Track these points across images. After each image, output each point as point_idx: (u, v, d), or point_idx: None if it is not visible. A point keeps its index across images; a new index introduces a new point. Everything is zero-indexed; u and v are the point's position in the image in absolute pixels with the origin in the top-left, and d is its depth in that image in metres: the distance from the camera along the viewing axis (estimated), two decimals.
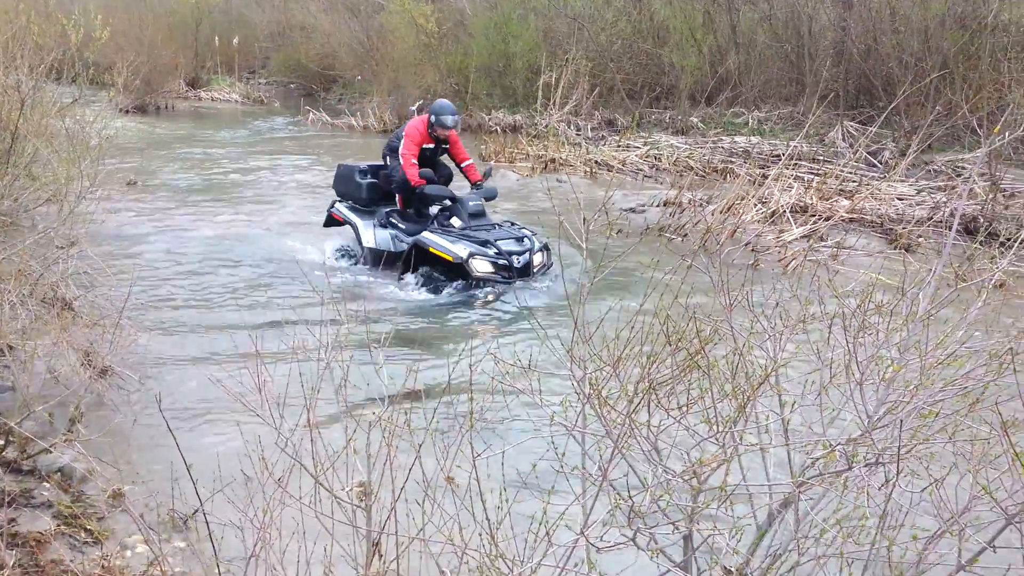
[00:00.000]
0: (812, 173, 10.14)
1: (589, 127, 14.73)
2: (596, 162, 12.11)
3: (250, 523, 2.19)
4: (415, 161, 6.92)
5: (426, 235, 6.62)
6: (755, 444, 2.06)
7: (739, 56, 14.63)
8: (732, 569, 2.19)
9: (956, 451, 2.10)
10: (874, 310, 2.30)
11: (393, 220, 7.18)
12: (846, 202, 8.71)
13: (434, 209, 6.90)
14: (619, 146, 13.04)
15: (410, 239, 6.77)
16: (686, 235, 8.40)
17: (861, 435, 1.93)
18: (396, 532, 2.04)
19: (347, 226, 7.44)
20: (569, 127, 14.49)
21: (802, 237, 7.86)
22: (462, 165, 7.36)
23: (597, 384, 2.06)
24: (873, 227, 8.38)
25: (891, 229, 8.08)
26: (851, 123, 12.00)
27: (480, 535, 1.90)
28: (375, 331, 4.85)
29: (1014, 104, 7.90)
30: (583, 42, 15.64)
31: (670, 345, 2.06)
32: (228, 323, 5.68)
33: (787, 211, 8.31)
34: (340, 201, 7.57)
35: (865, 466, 1.87)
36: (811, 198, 8.73)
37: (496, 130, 15.57)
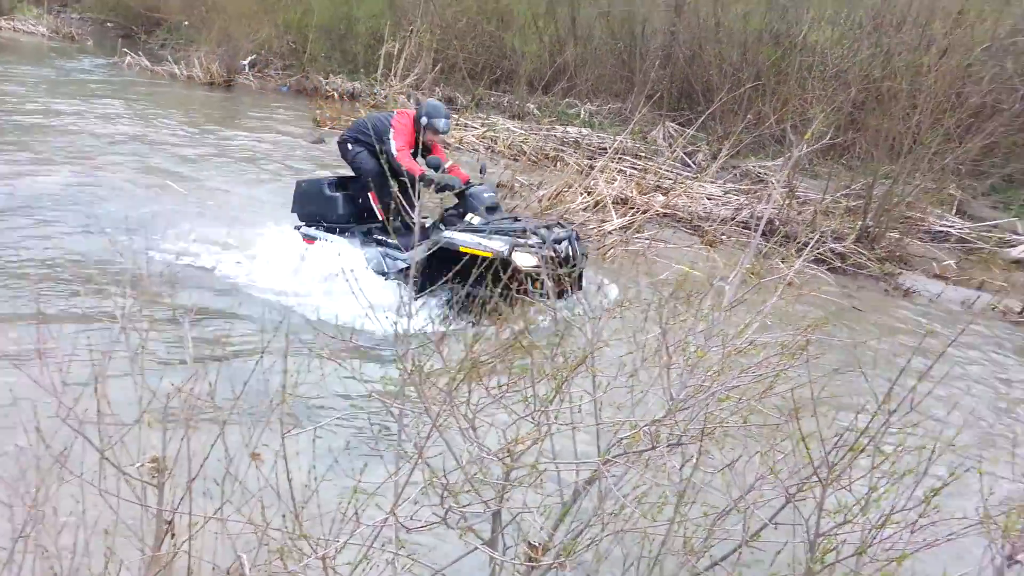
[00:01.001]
0: (634, 168, 10.67)
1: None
2: None
3: (20, 500, 1.95)
4: (411, 153, 5.95)
5: (450, 234, 5.47)
6: (567, 424, 2.11)
7: (577, 49, 15.06)
8: (537, 544, 2.24)
9: (748, 433, 2.27)
10: (684, 299, 2.44)
11: (379, 237, 6.07)
12: (662, 198, 9.25)
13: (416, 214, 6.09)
14: (457, 125, 13.02)
15: (412, 251, 5.32)
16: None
17: (664, 416, 2.03)
18: (191, 512, 1.90)
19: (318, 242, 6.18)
20: (409, 100, 14.27)
21: (621, 228, 8.25)
22: (446, 164, 6.34)
23: (419, 361, 2.02)
24: (684, 223, 8.96)
25: (699, 226, 8.68)
26: (672, 124, 12.74)
27: (284, 515, 1.81)
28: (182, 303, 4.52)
29: (815, 118, 8.73)
30: (429, 15, 15.43)
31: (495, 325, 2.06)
32: (13, 284, 5.07)
33: (610, 202, 8.68)
34: (307, 224, 6.30)
35: (667, 446, 1.96)
36: (632, 191, 9.18)
37: (333, 95, 15.04)
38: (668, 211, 9.05)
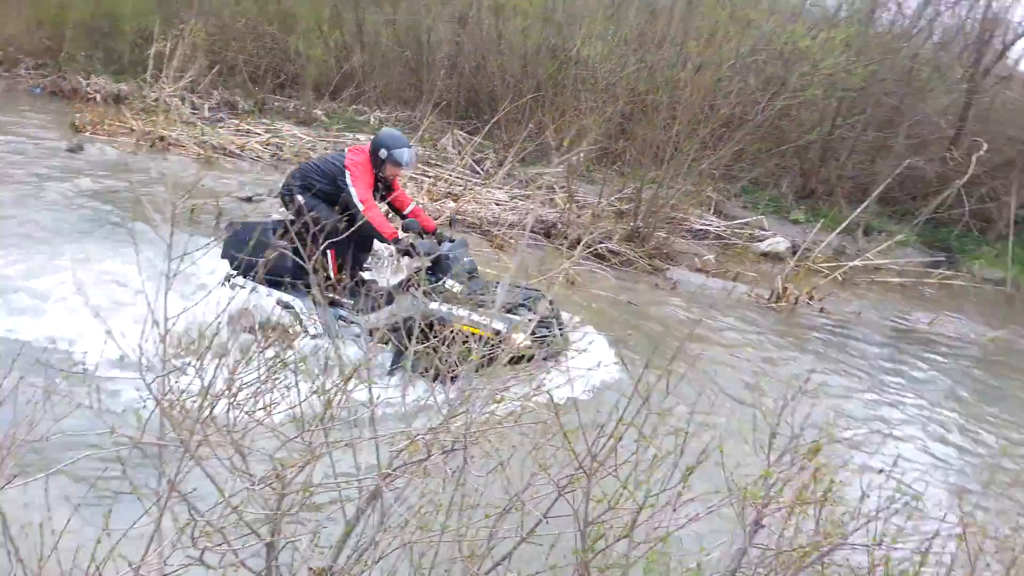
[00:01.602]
0: (426, 175, 10.74)
1: (207, 107, 13.71)
2: (213, 145, 11.32)
3: None
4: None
5: (442, 308, 4.93)
6: (341, 441, 2.06)
7: (364, 55, 14.89)
8: (321, 569, 2.16)
9: (521, 432, 2.35)
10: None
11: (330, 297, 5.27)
12: (453, 204, 9.39)
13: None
14: (239, 130, 12.37)
15: (377, 315, 4.97)
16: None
17: (440, 424, 2.04)
18: None
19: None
20: (184, 104, 13.32)
21: None
22: (406, 211, 5.61)
23: (173, 387, 1.87)
24: (474, 227, 9.17)
25: (488, 230, 8.92)
26: (461, 132, 12.99)
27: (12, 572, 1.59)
28: None
29: (589, 129, 9.31)
30: (203, 15, 14.52)
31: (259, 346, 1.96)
32: None
33: None
34: (241, 274, 5.31)
35: (442, 453, 1.98)
36: (424, 198, 9.24)
37: (95, 98, 13.66)
38: (460, 216, 9.21)
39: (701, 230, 10.84)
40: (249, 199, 9.14)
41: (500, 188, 10.62)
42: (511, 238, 8.79)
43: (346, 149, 5.52)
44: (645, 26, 11.10)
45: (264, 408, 1.88)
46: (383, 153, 5.28)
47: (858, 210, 9.66)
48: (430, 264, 5.09)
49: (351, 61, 14.83)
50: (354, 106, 14.51)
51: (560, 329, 5.29)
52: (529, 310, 5.12)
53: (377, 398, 2.06)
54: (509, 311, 5.04)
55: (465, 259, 5.35)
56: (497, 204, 9.97)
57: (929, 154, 12.29)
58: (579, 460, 1.95)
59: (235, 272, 5.31)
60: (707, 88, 8.77)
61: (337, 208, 5.18)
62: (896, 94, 12.36)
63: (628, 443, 2.19)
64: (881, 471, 2.13)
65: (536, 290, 5.41)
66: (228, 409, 1.93)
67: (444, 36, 14.30)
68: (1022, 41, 13.73)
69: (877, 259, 10.06)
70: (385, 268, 5.87)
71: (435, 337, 4.57)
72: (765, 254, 10.65)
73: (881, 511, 1.82)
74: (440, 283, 5.09)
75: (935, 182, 11.54)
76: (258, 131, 12.41)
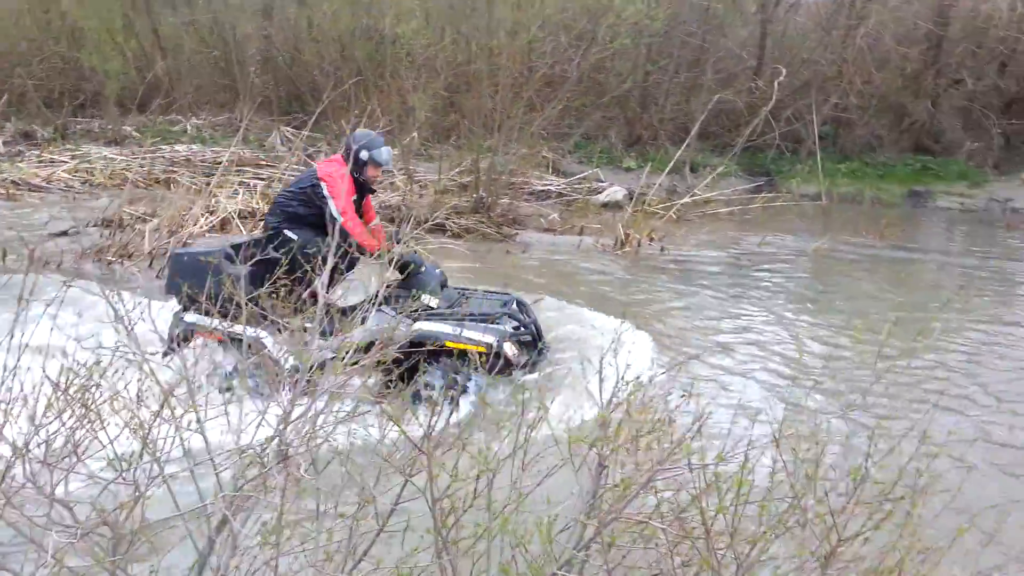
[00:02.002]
0: (258, 177, 10.32)
1: (1, 141, 12.49)
2: (14, 181, 10.36)
3: None
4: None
5: (428, 325, 4.71)
6: (175, 473, 1.97)
7: (168, 62, 14.01)
8: None
9: (367, 426, 2.34)
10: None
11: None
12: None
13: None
14: (41, 161, 11.37)
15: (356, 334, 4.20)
16: (131, 255, 7.74)
17: (273, 435, 2.00)
18: None
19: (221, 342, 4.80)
20: None
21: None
22: (370, 225, 5.22)
23: None
24: None
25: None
26: (287, 128, 12.55)
27: None
28: None
29: (416, 106, 9.24)
30: None
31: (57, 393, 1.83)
32: None
33: (235, 217, 8.30)
34: (191, 308, 4.77)
35: (277, 463, 1.94)
36: (258, 202, 8.88)
37: None
38: None
39: (543, 191, 11.09)
40: (65, 233, 8.45)
41: None
42: None
43: (315, 163, 5.15)
44: None
45: (75, 453, 1.77)
46: (364, 155, 4.93)
47: (680, 150, 10.17)
48: (401, 279, 4.90)
49: (154, 70, 13.91)
50: (167, 116, 13.66)
51: (540, 335, 5.21)
52: (511, 318, 5.01)
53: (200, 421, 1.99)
54: (492, 321, 4.88)
55: (437, 271, 5.17)
56: None
57: (737, 86, 13.11)
58: (415, 442, 1.97)
59: (182, 307, 4.81)
60: (522, 52, 8.91)
61: (324, 239, 4.80)
62: (697, 34, 13.05)
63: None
64: (684, 395, 2.27)
65: (506, 293, 5.41)
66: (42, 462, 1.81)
67: (250, 31, 13.67)
68: None
69: (705, 193, 10.69)
70: (336, 286, 5.28)
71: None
72: (605, 204, 11.05)
73: (691, 432, 1.95)
74: (416, 298, 4.73)
75: (746, 112, 12.32)
76: (63, 159, 11.45)
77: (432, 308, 4.92)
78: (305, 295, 4.21)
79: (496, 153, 9.24)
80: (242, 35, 13.60)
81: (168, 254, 5.11)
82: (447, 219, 8.87)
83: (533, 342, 5.05)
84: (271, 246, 4.83)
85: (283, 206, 5.02)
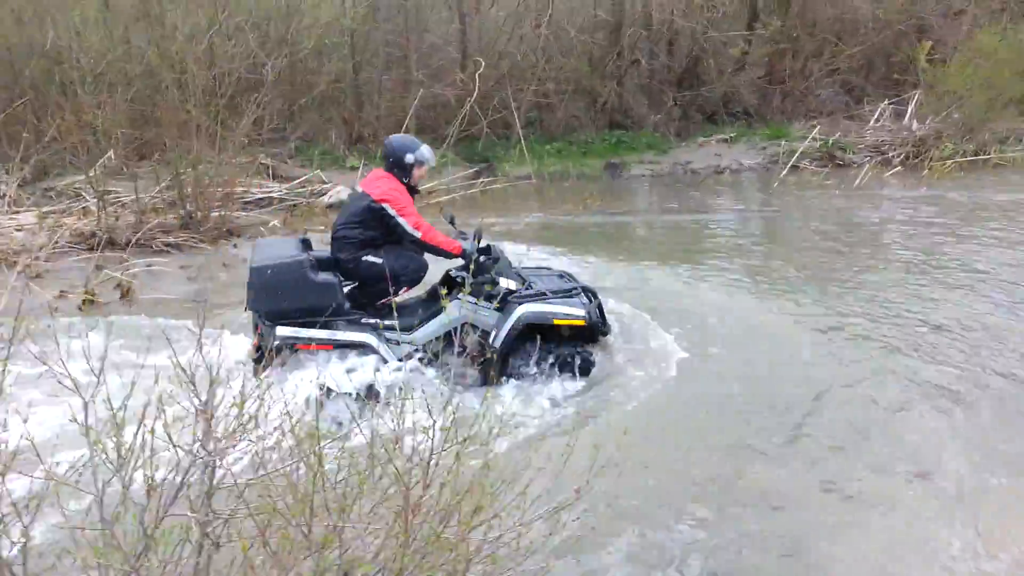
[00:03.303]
0: None
1: None
2: None
3: None
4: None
5: (534, 307, 5.01)
6: None
7: None
8: None
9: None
10: None
11: (369, 321, 4.93)
12: None
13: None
14: None
15: (508, 320, 4.92)
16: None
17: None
18: None
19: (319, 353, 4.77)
20: None
21: None
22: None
23: None
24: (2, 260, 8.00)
25: (15, 261, 7.85)
26: None
27: None
28: None
29: (102, 125, 8.55)
30: None
31: None
32: None
33: None
34: (280, 323, 4.74)
35: None
36: None
37: None
38: None
39: (263, 198, 10.83)
40: None
41: (27, 210, 9.34)
42: (47, 260, 7.85)
43: (359, 189, 5.05)
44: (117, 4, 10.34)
45: None
46: (410, 158, 4.93)
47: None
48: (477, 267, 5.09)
49: None
50: None
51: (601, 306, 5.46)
52: (583, 292, 5.26)
53: None
54: (568, 296, 5.17)
55: (503, 254, 5.35)
56: (20, 230, 8.76)
57: (445, 80, 13.69)
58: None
59: (270, 323, 4.73)
60: (206, 56, 8.60)
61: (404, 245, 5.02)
62: (400, 30, 13.43)
63: None
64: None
65: (548, 268, 5.85)
66: None
67: None
68: None
69: (427, 184, 11.06)
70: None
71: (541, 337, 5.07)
72: (331, 206, 11.05)
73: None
74: (495, 282, 5.08)
75: (455, 104, 12.91)
76: None
77: (512, 291, 5.10)
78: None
79: (200, 164, 8.85)
80: None
81: (252, 270, 4.75)
82: (153, 239, 8.37)
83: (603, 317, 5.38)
84: (358, 273, 4.99)
85: (351, 238, 4.94)
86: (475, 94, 11.97)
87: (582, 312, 5.04)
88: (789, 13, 15.88)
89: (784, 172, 13.29)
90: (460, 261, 5.09)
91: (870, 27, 16.17)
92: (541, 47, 13.82)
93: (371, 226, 4.91)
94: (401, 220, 4.87)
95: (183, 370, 2.13)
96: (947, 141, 13.63)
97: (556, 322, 5.03)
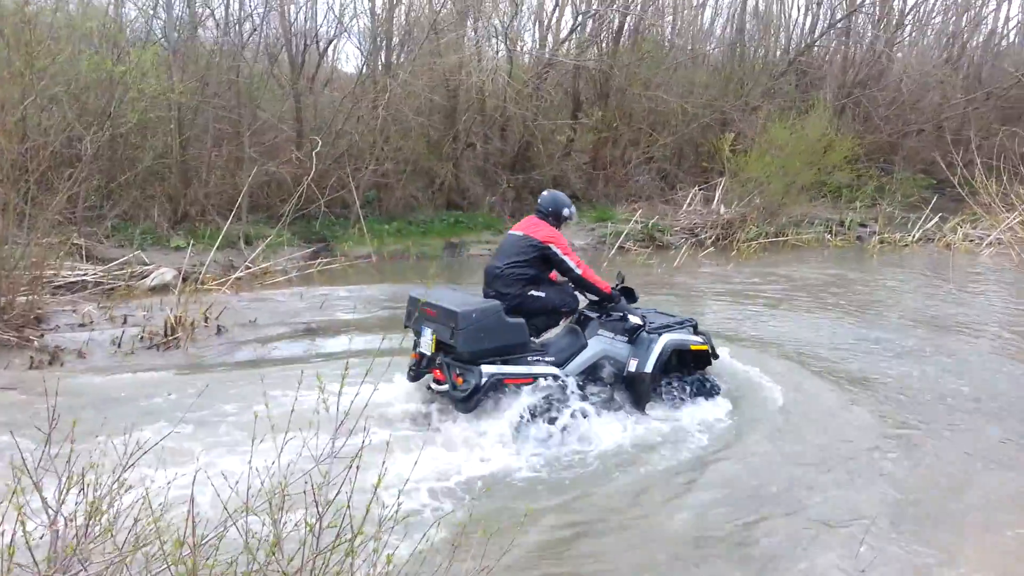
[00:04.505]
0: None
1: None
2: None
3: None
4: None
5: (673, 336, 5.93)
6: None
7: None
8: None
9: None
10: None
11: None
12: None
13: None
14: None
15: (659, 344, 5.80)
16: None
17: None
18: None
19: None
20: None
21: None
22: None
23: None
24: None
25: None
26: None
27: None
28: None
29: None
30: None
31: None
32: None
33: None
34: (484, 361, 5.22)
35: None
36: None
37: None
38: None
39: (75, 282, 9.89)
40: None
41: None
42: None
43: (517, 233, 5.79)
44: None
45: None
46: (566, 212, 5.92)
47: (227, 223, 10.00)
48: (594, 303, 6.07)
49: None
50: None
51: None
52: (681, 325, 6.13)
53: None
54: (682, 327, 6.15)
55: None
56: None
57: (281, 157, 13.40)
58: None
59: (480, 362, 5.23)
60: (16, 130, 7.88)
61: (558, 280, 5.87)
62: (232, 106, 13.05)
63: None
64: None
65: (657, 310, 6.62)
66: None
67: None
68: (333, 45, 15.89)
69: (262, 264, 10.66)
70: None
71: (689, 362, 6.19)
72: (154, 288, 10.30)
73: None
74: (626, 318, 5.91)
75: (291, 182, 12.63)
76: None
77: (641, 325, 5.91)
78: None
79: (4, 245, 7.96)
80: None
81: (459, 314, 5.16)
82: None
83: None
84: (523, 307, 5.59)
85: (517, 276, 5.62)
86: (312, 172, 11.79)
87: (702, 339, 6.10)
88: (608, 105, 17.18)
89: (612, 252, 14.12)
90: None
91: (680, 119, 17.82)
92: (379, 128, 13.94)
93: (536, 264, 5.67)
94: (565, 258, 5.67)
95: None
96: (751, 224, 15.14)
97: (692, 347, 6.02)
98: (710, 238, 15.14)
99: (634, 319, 5.90)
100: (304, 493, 2.34)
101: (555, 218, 5.85)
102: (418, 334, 5.59)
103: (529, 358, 5.44)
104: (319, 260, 11.92)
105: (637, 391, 5.76)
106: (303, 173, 12.33)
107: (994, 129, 17.29)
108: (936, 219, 16.12)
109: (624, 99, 17.44)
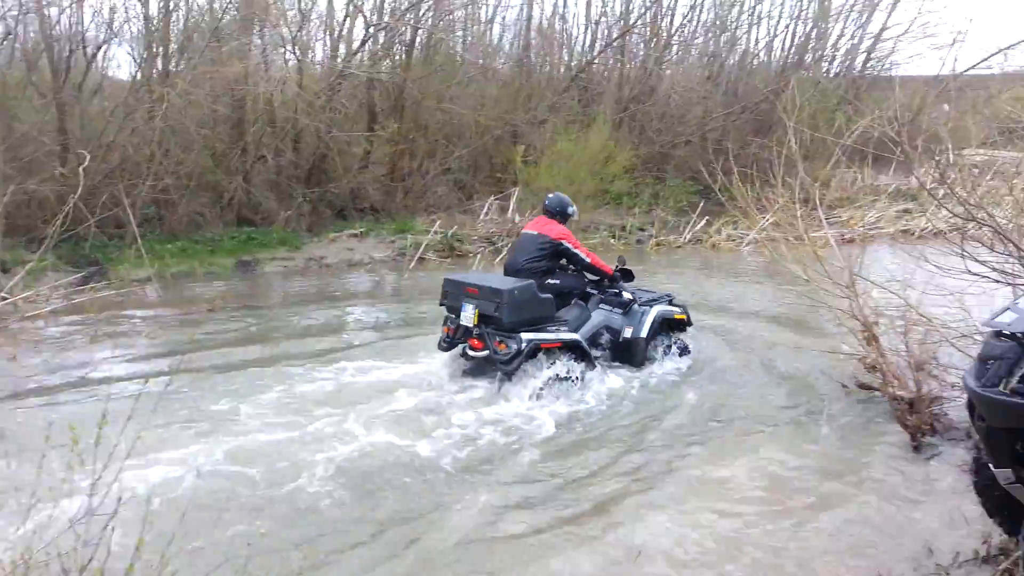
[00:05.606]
0: None
1: None
2: None
3: None
4: None
5: (661, 308, 7.51)
6: None
7: None
8: None
9: None
10: None
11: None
12: None
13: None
14: None
15: (651, 315, 7.39)
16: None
17: None
18: None
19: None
20: None
21: None
22: None
23: None
24: None
25: None
26: None
27: None
28: None
29: None
30: None
31: None
32: None
33: None
34: (523, 330, 6.48)
35: None
36: None
37: None
38: None
39: None
40: None
41: None
42: None
43: (531, 232, 7.18)
44: None
45: None
46: (571, 210, 7.37)
47: None
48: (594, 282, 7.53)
49: None
50: None
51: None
52: (663, 299, 7.70)
53: None
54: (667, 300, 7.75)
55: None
56: None
57: (43, 174, 12.17)
58: None
59: (520, 330, 6.44)
60: None
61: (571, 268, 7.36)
62: None
63: None
64: None
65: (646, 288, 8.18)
66: None
67: None
68: (103, 51, 14.65)
69: (19, 293, 9.62)
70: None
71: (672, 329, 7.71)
72: None
73: None
74: (620, 294, 7.44)
75: (55, 201, 11.51)
76: None
77: (632, 300, 7.43)
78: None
79: None
80: None
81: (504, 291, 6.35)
82: None
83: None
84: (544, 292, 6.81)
85: (535, 269, 6.99)
86: (79, 190, 10.81)
87: (680, 309, 7.63)
88: (404, 117, 17.29)
89: (412, 264, 14.24)
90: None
91: (474, 132, 18.31)
92: (157, 140, 13.07)
93: (550, 258, 7.08)
94: (576, 251, 7.11)
95: None
96: None
97: (676, 316, 7.55)
98: (506, 245, 15.72)
99: (627, 295, 7.39)
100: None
101: (562, 216, 7.29)
102: (455, 311, 6.69)
103: (550, 328, 6.64)
104: (91, 285, 10.95)
105: (633, 353, 7.27)
106: (69, 191, 11.25)
107: (748, 140, 19.37)
108: (703, 222, 17.81)
109: (419, 111, 17.62)
